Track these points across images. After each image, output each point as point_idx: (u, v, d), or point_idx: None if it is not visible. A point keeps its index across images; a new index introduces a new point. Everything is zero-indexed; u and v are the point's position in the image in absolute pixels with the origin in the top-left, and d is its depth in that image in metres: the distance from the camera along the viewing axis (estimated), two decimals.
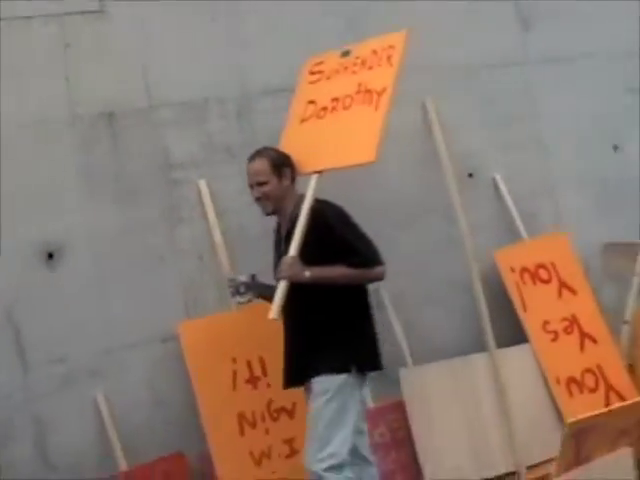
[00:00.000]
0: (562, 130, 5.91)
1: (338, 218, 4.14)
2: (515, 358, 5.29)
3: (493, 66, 5.77)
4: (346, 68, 4.59)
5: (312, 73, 4.82)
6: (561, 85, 5.94)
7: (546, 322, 5.42)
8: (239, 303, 4.39)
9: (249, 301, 4.36)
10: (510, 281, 5.41)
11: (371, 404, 4.90)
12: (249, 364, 4.79)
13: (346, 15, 5.40)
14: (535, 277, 5.50)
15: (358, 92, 4.36)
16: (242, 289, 4.33)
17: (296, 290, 3.99)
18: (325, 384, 4.06)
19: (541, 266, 5.53)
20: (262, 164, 4.26)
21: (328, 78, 4.67)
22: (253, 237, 5.02)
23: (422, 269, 5.42)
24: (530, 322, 5.38)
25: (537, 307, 5.43)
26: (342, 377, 4.05)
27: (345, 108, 4.40)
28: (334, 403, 4.04)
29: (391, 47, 4.36)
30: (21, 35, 4.75)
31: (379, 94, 4.24)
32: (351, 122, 4.34)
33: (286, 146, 4.56)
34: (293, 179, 4.33)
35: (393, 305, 5.30)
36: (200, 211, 5.00)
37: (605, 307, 5.65)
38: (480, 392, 5.20)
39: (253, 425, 4.76)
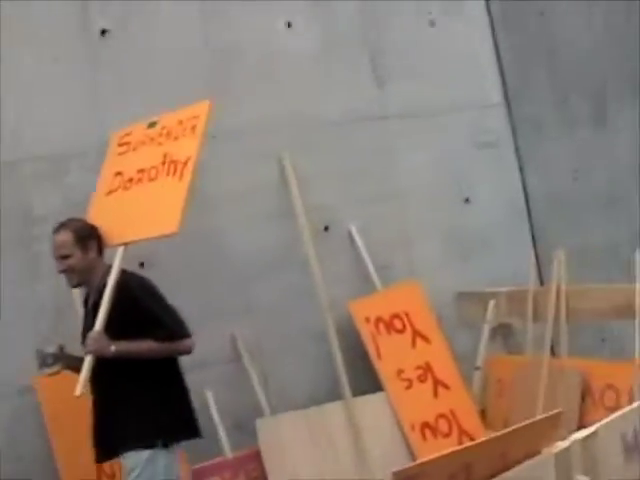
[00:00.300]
0: (416, 183, 6.13)
1: (143, 290, 4.12)
2: (371, 406, 5.41)
3: (350, 121, 5.95)
4: (152, 139, 4.58)
5: (120, 145, 4.81)
6: (416, 140, 6.16)
7: (400, 370, 5.57)
8: (47, 375, 4.20)
9: (57, 372, 4.18)
10: (365, 331, 5.57)
11: (230, 454, 5.00)
12: None
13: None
14: (390, 326, 5.66)
15: (164, 163, 4.36)
16: (49, 360, 4.15)
17: (101, 363, 3.95)
18: (132, 460, 4.01)
19: (395, 316, 5.70)
20: (66, 236, 4.18)
21: (134, 149, 4.67)
22: None
23: (279, 319, 5.53)
24: (385, 370, 5.53)
25: (392, 356, 5.59)
26: (148, 452, 3.99)
27: (151, 179, 4.40)
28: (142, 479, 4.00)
29: (195, 117, 4.38)
30: None
31: (184, 164, 4.26)
32: (156, 193, 4.35)
33: (93, 218, 4.51)
34: (100, 250, 4.28)
35: (250, 355, 5.39)
36: None
37: (458, 354, 5.85)
38: (336, 440, 5.30)
39: (112, 477, 4.79)
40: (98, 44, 5.30)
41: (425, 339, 5.74)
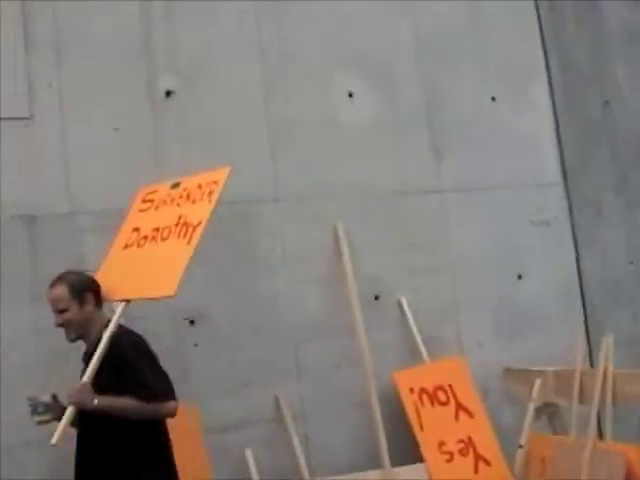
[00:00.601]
0: (469, 257, 6.20)
1: (132, 347, 4.06)
2: (409, 477, 5.42)
3: (406, 193, 6.07)
4: (173, 200, 4.62)
5: (144, 201, 4.86)
6: (471, 214, 6.25)
7: (442, 442, 5.59)
8: (38, 423, 4.10)
9: (48, 421, 4.08)
10: (409, 401, 5.60)
11: None
12: None
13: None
14: (433, 398, 5.68)
15: (177, 224, 4.38)
16: (40, 409, 4.09)
17: (89, 418, 3.95)
18: None
19: (439, 388, 5.73)
20: (61, 290, 4.13)
21: (156, 208, 4.72)
22: (163, 344, 5.18)
23: (324, 384, 5.60)
24: (426, 442, 5.55)
25: (434, 428, 5.61)
26: None
27: (163, 239, 4.41)
28: None
29: (214, 182, 4.40)
30: None
31: (194, 228, 4.26)
32: (163, 254, 4.35)
33: (105, 269, 4.58)
34: (98, 303, 4.23)
35: (293, 416, 5.46)
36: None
37: (502, 429, 5.84)
38: None
39: None
40: (162, 104, 5.52)
41: (468, 413, 5.74)
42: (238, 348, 5.43)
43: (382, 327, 5.81)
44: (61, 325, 4.14)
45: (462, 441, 5.66)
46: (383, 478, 5.36)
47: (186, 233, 4.26)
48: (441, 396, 5.71)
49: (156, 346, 5.15)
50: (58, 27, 5.30)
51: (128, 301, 4.22)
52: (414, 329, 5.87)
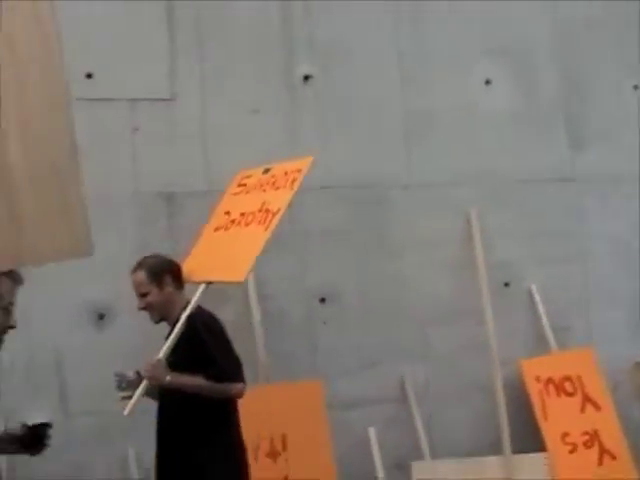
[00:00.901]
0: (602, 248, 6.11)
1: (206, 327, 4.16)
2: (529, 465, 5.43)
3: (540, 181, 6.04)
4: (261, 185, 4.70)
5: (239, 185, 4.97)
6: (606, 204, 6.16)
7: (566, 433, 5.56)
8: (122, 398, 4.19)
9: (129, 397, 4.14)
10: (534, 390, 5.59)
11: None
12: (271, 439, 5.08)
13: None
14: (560, 389, 5.66)
15: (260, 210, 4.44)
16: (124, 384, 4.20)
17: (166, 393, 4.14)
18: None
19: (567, 379, 5.70)
20: (141, 275, 4.26)
21: (247, 192, 4.81)
22: (292, 322, 5.42)
23: (450, 367, 5.67)
24: (550, 432, 5.53)
25: (559, 418, 5.59)
26: None
27: (246, 224, 4.49)
28: None
29: (298, 170, 4.46)
30: (96, 116, 5.16)
31: (273, 215, 4.32)
32: (243, 239, 4.43)
33: (195, 251, 4.74)
34: (178, 285, 4.33)
35: (417, 397, 5.56)
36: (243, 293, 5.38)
37: (630, 424, 5.78)
38: None
39: None
40: (300, 89, 5.67)
41: (595, 405, 5.70)
42: (367, 328, 5.56)
43: (511, 314, 5.83)
44: (144, 308, 4.28)
45: (587, 433, 5.61)
46: (503, 465, 5.40)
47: (265, 219, 4.32)
48: (568, 387, 5.68)
49: (286, 324, 5.44)
50: (200, 11, 5.49)
51: (210, 283, 4.32)
52: (543, 317, 5.86)
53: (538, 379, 5.64)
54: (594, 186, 6.14)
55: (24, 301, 3.26)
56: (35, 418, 3.30)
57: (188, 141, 5.43)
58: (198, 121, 5.46)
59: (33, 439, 3.25)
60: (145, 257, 4.34)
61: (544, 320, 5.86)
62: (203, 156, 5.43)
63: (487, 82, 6.01)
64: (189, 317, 4.13)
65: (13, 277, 2.98)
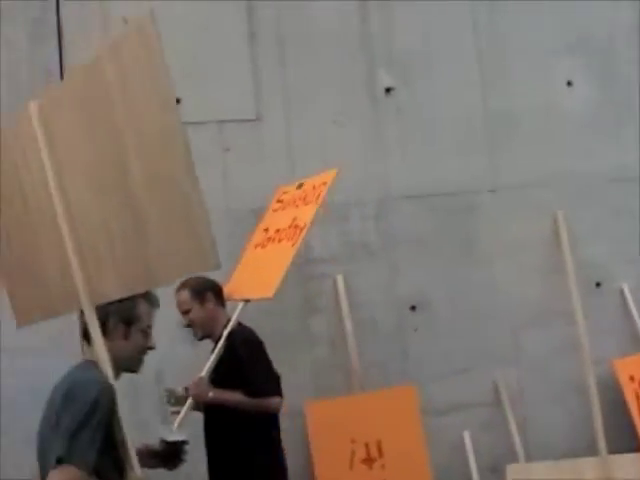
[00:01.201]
0: None
1: (243, 344, 4.32)
2: (625, 465, 5.40)
3: (623, 180, 5.98)
4: (294, 201, 4.78)
5: (277, 201, 5.06)
6: None
7: None
8: (171, 413, 4.38)
9: (177, 412, 4.32)
10: (628, 389, 5.58)
11: None
12: (367, 445, 5.19)
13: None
14: None
15: (290, 226, 4.53)
16: (172, 400, 4.39)
17: (211, 407, 4.34)
18: None
19: None
20: (184, 294, 4.43)
21: (283, 209, 4.91)
22: (383, 330, 5.53)
23: (543, 369, 5.71)
24: None
25: None
26: None
27: (279, 241, 4.59)
28: None
29: (324, 184, 4.53)
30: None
31: (301, 230, 4.41)
32: (274, 256, 4.53)
33: (238, 268, 4.86)
34: (220, 302, 4.49)
35: (511, 401, 5.61)
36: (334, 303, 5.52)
37: None
38: None
39: None
40: (382, 100, 5.77)
41: None
42: (459, 334, 5.64)
43: (603, 314, 5.81)
44: (188, 326, 4.46)
45: None
46: (599, 466, 5.40)
47: (294, 235, 4.42)
48: None
49: (377, 332, 5.55)
50: (281, 28, 5.65)
51: (247, 301, 4.46)
52: (636, 317, 5.84)
53: (632, 378, 5.62)
54: None
55: None
56: (172, 435, 3.46)
57: (275, 158, 5.59)
58: (284, 138, 5.61)
59: (171, 454, 3.38)
60: (187, 278, 4.38)
61: (637, 319, 5.84)
62: (290, 171, 5.57)
63: (569, 83, 6.02)
64: (229, 334, 4.29)
65: (150, 300, 3.10)
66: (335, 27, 5.76)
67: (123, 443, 2.79)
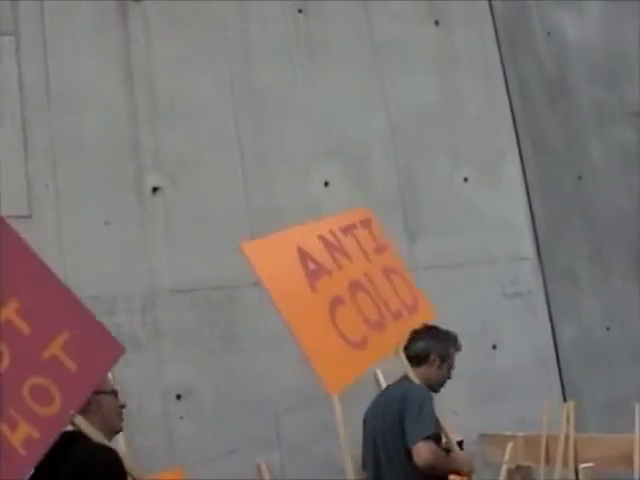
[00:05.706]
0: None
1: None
2: None
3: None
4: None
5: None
6: (444, 290, 6.61)
7: None
8: None
9: None
10: None
11: None
12: None
13: None
14: None
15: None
16: None
17: None
18: None
19: None
20: None
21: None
22: (151, 418, 5.78)
23: (303, 451, 6.04)
24: None
25: None
26: None
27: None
28: None
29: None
30: None
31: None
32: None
33: None
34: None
35: None
36: None
37: None
38: None
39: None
40: (150, 200, 6.14)
41: None
42: (223, 419, 5.93)
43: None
44: None
45: None
46: None
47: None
48: None
49: (145, 420, 5.78)
50: (53, 134, 5.97)
51: None
52: None
53: None
54: (430, 273, 6.61)
55: None
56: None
57: (46, 255, 5.71)
58: (55, 235, 5.84)
59: None
60: None
61: None
62: (62, 268, 5.75)
63: (326, 184, 6.55)
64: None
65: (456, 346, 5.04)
66: (105, 133, 6.12)
67: None
